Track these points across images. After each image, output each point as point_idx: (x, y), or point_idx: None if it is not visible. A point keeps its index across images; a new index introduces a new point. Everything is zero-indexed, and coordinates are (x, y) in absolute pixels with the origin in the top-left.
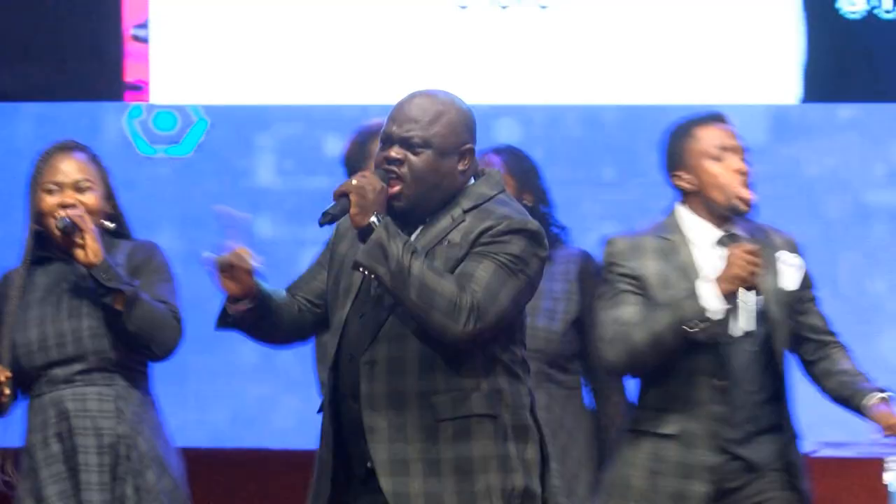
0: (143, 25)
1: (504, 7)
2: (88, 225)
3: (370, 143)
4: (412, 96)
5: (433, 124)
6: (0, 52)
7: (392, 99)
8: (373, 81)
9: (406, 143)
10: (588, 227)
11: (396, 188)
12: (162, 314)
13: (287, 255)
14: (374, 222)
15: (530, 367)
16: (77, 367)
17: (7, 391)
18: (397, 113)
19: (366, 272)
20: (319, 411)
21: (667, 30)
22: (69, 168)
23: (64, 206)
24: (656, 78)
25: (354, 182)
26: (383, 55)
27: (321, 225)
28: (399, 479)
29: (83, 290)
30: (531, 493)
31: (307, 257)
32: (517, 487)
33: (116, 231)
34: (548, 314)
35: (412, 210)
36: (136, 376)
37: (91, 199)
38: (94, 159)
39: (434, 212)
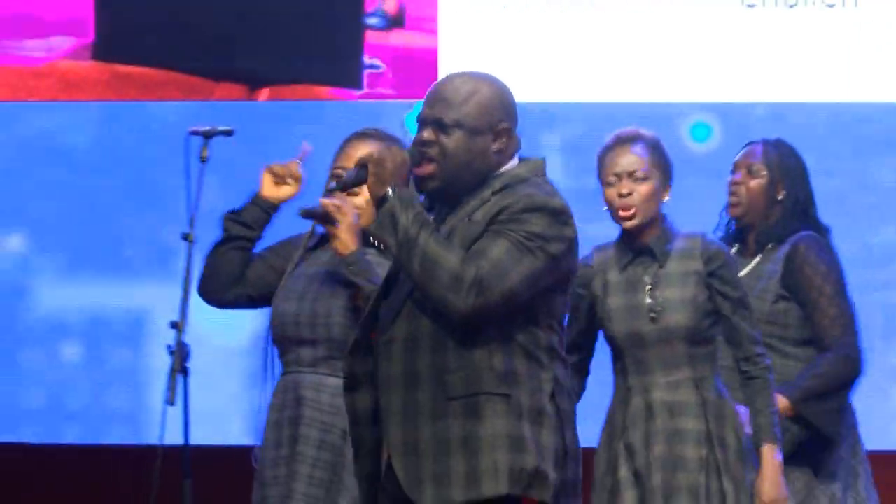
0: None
1: (791, 6)
2: (344, 217)
3: (606, 153)
4: (447, 77)
5: (464, 104)
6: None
7: (679, 97)
8: (657, 80)
9: (438, 124)
10: None
11: (429, 169)
12: None
13: None
14: (388, 193)
15: (562, 354)
16: (321, 351)
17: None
18: (430, 94)
19: (376, 242)
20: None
21: None
22: (358, 154)
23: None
24: None
25: (376, 153)
26: (667, 54)
27: (330, 192)
28: (410, 459)
29: (341, 277)
30: (542, 476)
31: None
32: (526, 468)
33: None
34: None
35: (446, 190)
36: None
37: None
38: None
39: (471, 191)
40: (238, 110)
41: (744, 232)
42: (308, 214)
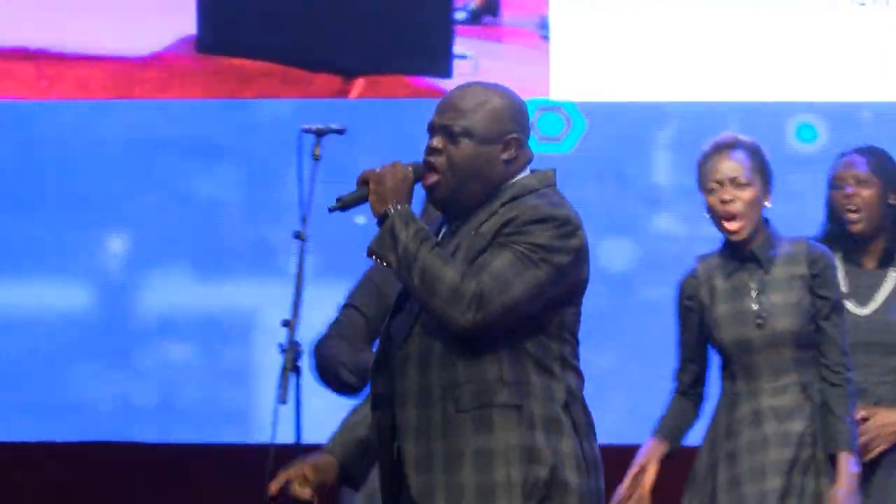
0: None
1: None
2: None
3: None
4: (459, 86)
5: (474, 112)
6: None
7: (785, 97)
8: (764, 79)
9: (446, 132)
10: None
11: (433, 179)
12: None
13: (681, 252)
14: (389, 210)
15: (575, 364)
16: None
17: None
18: (441, 103)
19: (378, 260)
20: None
21: None
22: None
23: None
24: None
25: (378, 170)
26: (775, 53)
27: (330, 211)
28: (424, 475)
29: None
30: (561, 484)
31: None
32: (541, 479)
33: None
34: None
35: (455, 200)
36: None
37: None
38: None
39: (481, 202)
40: (344, 107)
41: (849, 241)
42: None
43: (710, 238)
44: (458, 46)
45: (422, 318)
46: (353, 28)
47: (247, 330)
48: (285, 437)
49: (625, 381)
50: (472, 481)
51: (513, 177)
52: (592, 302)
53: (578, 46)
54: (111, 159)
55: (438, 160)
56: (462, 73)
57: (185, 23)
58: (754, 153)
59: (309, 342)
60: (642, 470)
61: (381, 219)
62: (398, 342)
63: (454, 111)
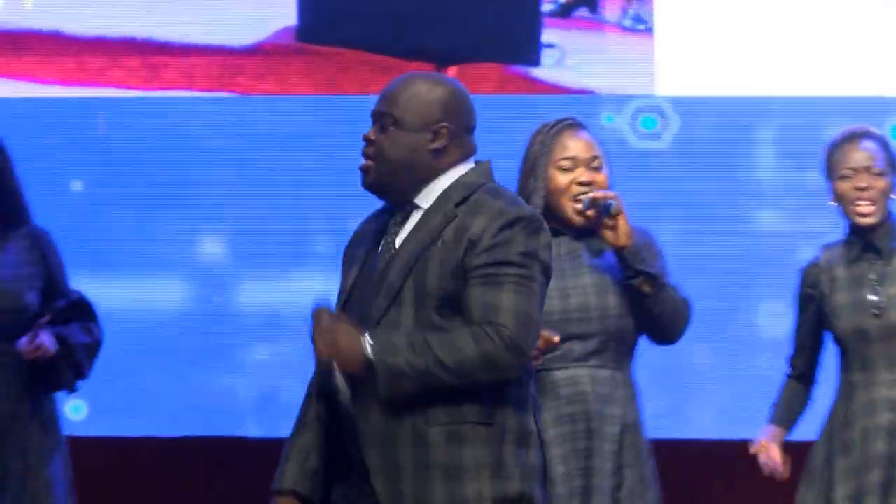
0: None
1: None
2: (622, 208)
3: (838, 148)
4: (401, 76)
5: (406, 101)
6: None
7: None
8: (867, 74)
9: (378, 118)
10: None
11: (365, 165)
12: (681, 300)
13: (787, 249)
14: (368, 359)
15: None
16: (594, 344)
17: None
18: (382, 92)
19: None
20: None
21: None
22: (581, 146)
23: (580, 184)
24: None
25: (323, 348)
26: (877, 47)
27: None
28: (392, 482)
29: (605, 268)
30: (527, 499)
31: (807, 252)
32: (510, 494)
33: None
34: None
35: (386, 187)
36: (631, 361)
37: (603, 178)
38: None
39: (412, 191)
40: None
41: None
42: (592, 204)
43: (811, 233)
44: (550, 36)
45: (383, 324)
46: (445, 18)
47: None
48: None
49: (724, 377)
50: (441, 495)
51: (448, 168)
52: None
53: (682, 41)
54: (206, 155)
55: (369, 150)
56: (549, 62)
57: (287, 13)
58: (884, 144)
59: None
60: (768, 446)
61: (367, 371)
62: None
63: (387, 100)
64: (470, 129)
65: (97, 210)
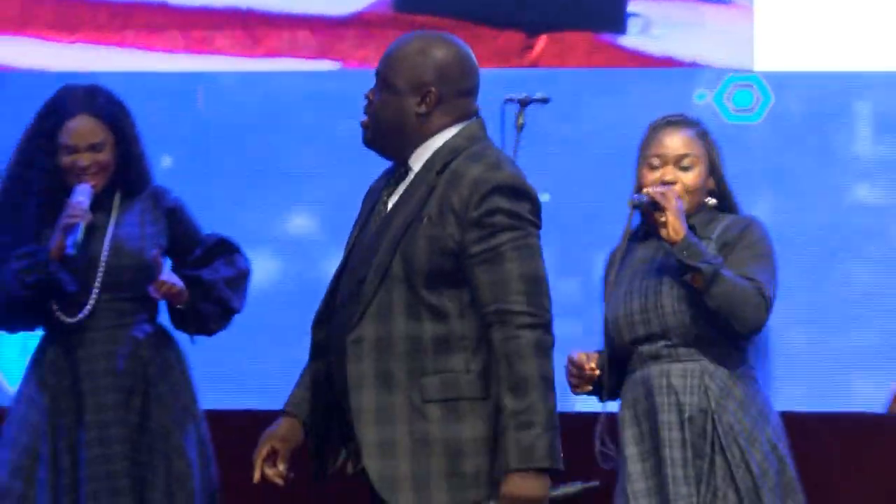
0: None
1: None
2: (671, 203)
3: None
4: (402, 36)
5: (398, 63)
6: None
7: None
8: None
9: (376, 79)
10: None
11: (364, 124)
12: (743, 291)
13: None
14: None
15: None
16: (662, 343)
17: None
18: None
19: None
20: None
21: None
22: (674, 143)
23: (664, 183)
24: None
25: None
26: None
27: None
28: (386, 461)
29: (669, 266)
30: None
31: None
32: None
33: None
34: None
35: (382, 148)
36: (726, 352)
37: (692, 177)
38: (702, 135)
39: (405, 151)
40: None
41: None
42: (637, 205)
43: None
44: (643, 7)
45: (376, 303)
46: None
47: None
48: None
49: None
50: (440, 471)
51: (436, 132)
52: (788, 277)
53: (781, 16)
54: (307, 126)
55: (368, 108)
56: (634, 31)
57: None
58: None
59: None
60: None
61: None
62: (350, 324)
63: (384, 61)
64: (465, 92)
65: (188, 184)
